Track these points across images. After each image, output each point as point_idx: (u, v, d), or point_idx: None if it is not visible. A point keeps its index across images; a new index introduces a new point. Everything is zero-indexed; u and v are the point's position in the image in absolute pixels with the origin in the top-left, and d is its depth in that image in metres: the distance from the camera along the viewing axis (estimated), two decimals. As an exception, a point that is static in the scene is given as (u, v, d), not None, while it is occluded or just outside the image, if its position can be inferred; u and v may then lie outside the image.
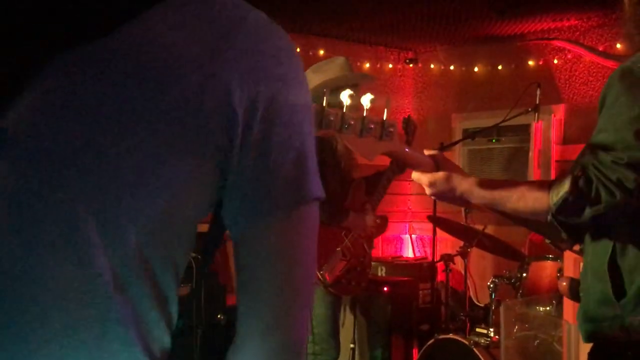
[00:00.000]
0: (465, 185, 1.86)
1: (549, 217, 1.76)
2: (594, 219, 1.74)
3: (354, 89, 3.98)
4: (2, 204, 0.85)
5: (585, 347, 2.08)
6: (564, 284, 2.09)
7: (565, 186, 1.72)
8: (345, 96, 1.69)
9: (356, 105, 1.74)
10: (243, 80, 0.91)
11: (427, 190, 1.89)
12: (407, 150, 1.87)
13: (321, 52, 5.74)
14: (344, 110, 1.69)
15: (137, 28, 0.89)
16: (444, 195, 1.89)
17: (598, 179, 1.68)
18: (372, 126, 1.72)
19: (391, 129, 1.74)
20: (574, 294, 2.04)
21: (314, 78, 3.92)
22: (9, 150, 0.85)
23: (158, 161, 0.88)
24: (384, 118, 1.74)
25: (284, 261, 0.98)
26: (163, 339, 0.98)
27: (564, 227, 1.80)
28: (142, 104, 0.87)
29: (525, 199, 1.81)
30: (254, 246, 0.97)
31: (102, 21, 0.89)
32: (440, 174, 1.87)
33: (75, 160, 0.86)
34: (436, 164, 1.89)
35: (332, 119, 1.67)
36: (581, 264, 2.00)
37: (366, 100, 1.70)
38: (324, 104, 1.68)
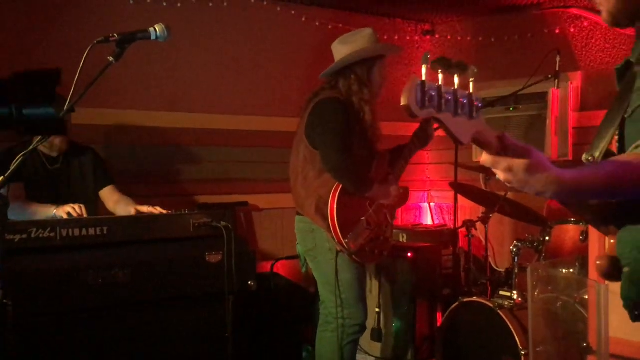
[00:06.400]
0: (552, 174, 1.56)
1: None
2: None
3: (380, 60, 4.09)
4: None
5: (616, 307, 2.08)
6: (599, 262, 1.90)
7: None
8: (440, 65, 1.46)
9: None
10: None
11: (502, 176, 1.57)
12: (489, 129, 1.56)
13: (340, 25, 5.79)
14: (440, 83, 1.42)
15: None
16: (524, 184, 1.57)
17: None
18: (464, 101, 1.45)
19: (479, 105, 1.48)
20: (612, 274, 1.90)
21: (342, 49, 3.98)
22: None
23: None
24: (471, 91, 1.48)
25: None
26: None
27: None
28: None
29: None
30: None
31: None
32: (521, 162, 1.54)
33: None
34: (502, 145, 1.57)
35: (432, 94, 1.40)
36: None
37: (460, 69, 1.48)
38: (423, 77, 1.40)
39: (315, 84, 4.17)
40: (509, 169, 1.54)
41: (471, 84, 1.49)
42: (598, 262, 1.90)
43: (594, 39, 5.45)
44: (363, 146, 3.97)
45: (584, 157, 1.84)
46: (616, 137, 1.85)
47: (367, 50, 3.95)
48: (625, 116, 1.78)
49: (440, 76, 1.42)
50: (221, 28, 5.38)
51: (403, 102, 1.38)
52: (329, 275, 3.96)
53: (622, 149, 1.80)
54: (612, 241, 1.87)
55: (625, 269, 1.79)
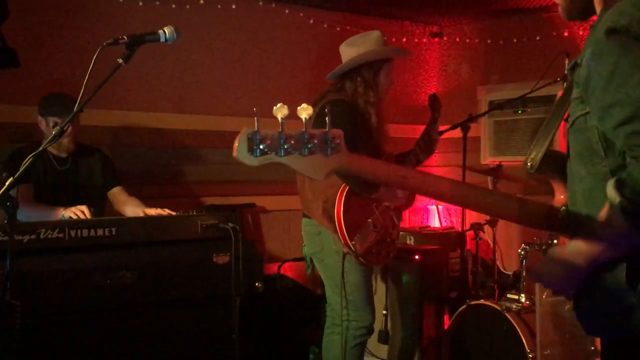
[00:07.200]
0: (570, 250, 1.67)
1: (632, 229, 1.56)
2: None
3: (387, 63, 4.08)
4: None
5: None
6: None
7: (615, 197, 1.55)
8: (279, 112, 1.51)
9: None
10: None
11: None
12: (361, 160, 1.65)
13: (348, 27, 5.80)
14: (280, 130, 1.49)
15: None
16: (558, 275, 1.70)
17: (637, 160, 1.54)
18: (315, 141, 1.52)
19: (337, 141, 1.54)
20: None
21: (349, 51, 3.98)
22: None
23: None
24: (327, 129, 1.54)
25: None
26: None
27: None
28: None
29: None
30: None
31: None
32: (543, 263, 1.71)
33: None
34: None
35: (268, 142, 1.48)
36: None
37: (304, 112, 1.52)
38: (257, 128, 1.48)
39: (322, 86, 4.17)
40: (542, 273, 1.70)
41: (327, 120, 1.53)
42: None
43: (602, 42, 5.43)
44: (369, 148, 3.96)
45: (524, 161, 1.92)
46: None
47: (374, 52, 3.95)
48: (568, 125, 1.81)
49: (281, 121, 1.48)
50: (229, 30, 5.39)
51: (234, 153, 1.48)
52: (335, 277, 3.96)
53: (568, 157, 1.84)
54: None
55: None
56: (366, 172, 1.68)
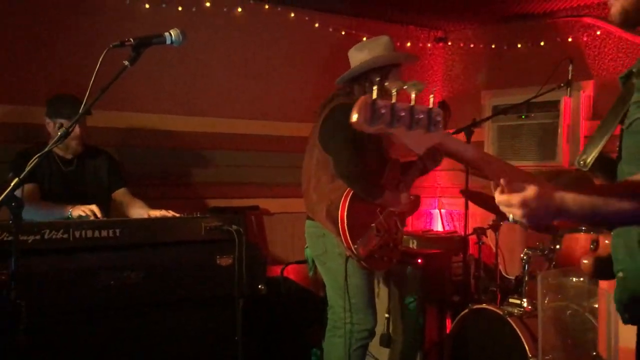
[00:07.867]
0: (560, 195, 1.63)
1: None
2: None
3: (396, 68, 4.10)
4: None
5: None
6: (586, 262, 2.00)
7: None
8: (394, 85, 1.57)
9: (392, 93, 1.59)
10: None
11: (516, 212, 1.60)
12: (453, 140, 1.71)
13: (353, 31, 5.82)
14: (394, 101, 1.54)
15: None
16: (538, 214, 1.61)
17: None
18: (421, 116, 1.57)
19: (438, 118, 1.60)
20: (597, 273, 2.00)
21: (358, 56, 3.99)
22: None
23: None
24: (431, 106, 1.60)
25: None
26: None
27: None
28: None
29: (630, 198, 1.64)
30: None
31: None
32: (531, 192, 1.58)
33: None
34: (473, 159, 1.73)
35: (383, 112, 1.53)
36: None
37: (413, 87, 1.58)
38: (374, 96, 1.53)
39: (327, 90, 4.18)
40: (524, 203, 1.59)
41: (431, 99, 1.60)
42: (585, 261, 1.99)
43: (606, 47, 5.45)
44: (375, 153, 3.98)
45: (575, 160, 1.96)
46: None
47: (383, 57, 3.96)
48: (623, 127, 1.86)
49: (394, 94, 1.55)
50: (235, 33, 5.41)
51: (353, 119, 1.52)
52: (338, 280, 3.98)
53: (619, 159, 1.89)
54: (606, 241, 1.95)
55: (620, 274, 1.86)
56: (457, 152, 1.73)
